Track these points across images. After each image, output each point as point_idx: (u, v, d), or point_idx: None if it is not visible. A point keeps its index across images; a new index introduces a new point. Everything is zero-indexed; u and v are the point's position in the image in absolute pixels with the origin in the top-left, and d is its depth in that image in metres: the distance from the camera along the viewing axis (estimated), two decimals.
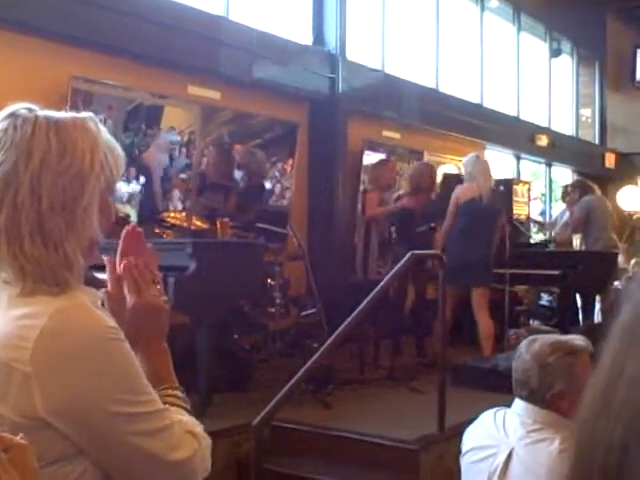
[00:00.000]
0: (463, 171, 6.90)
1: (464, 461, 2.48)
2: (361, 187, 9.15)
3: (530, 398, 2.36)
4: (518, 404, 2.41)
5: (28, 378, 1.21)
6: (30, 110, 1.36)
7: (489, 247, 6.68)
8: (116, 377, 1.26)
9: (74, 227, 1.31)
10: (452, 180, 8.12)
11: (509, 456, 2.30)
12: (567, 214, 9.64)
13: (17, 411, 1.22)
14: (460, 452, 2.51)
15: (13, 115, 1.35)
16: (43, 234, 1.27)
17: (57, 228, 1.28)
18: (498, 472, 2.30)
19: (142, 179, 6.95)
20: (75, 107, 6.16)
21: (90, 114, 1.40)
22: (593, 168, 14.41)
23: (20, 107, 1.37)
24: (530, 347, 2.40)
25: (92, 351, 1.24)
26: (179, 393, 1.44)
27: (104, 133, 1.39)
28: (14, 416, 1.22)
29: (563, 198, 10.01)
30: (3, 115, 1.36)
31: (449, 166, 10.36)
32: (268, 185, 8.20)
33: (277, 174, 8.28)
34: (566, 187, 10.24)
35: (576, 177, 13.49)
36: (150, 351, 1.44)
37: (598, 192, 9.66)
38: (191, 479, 1.34)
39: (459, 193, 6.67)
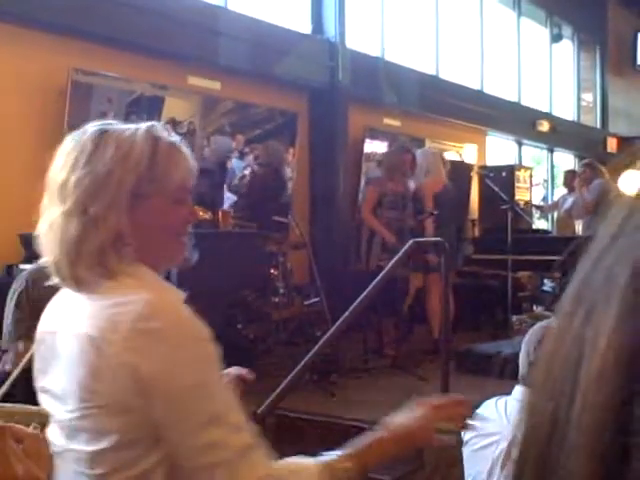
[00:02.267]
0: (419, 167, 7.04)
1: (467, 449, 2.49)
2: (363, 178, 9.15)
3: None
4: (518, 390, 2.41)
5: (121, 361, 1.27)
6: (99, 125, 1.47)
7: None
8: (202, 365, 1.32)
9: (158, 226, 1.42)
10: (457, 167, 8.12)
11: (511, 443, 2.30)
12: (570, 200, 9.58)
13: (110, 391, 1.28)
14: (463, 440, 2.52)
15: (82, 129, 1.47)
16: (62, 235, 1.37)
17: (74, 228, 1.36)
18: (502, 459, 2.31)
19: None
20: (74, 100, 6.15)
21: (155, 123, 1.50)
22: (595, 153, 14.36)
23: (95, 123, 1.49)
24: (546, 332, 2.39)
25: (181, 335, 1.31)
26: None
27: (159, 141, 1.44)
28: (107, 396, 1.28)
29: (566, 183, 9.96)
30: (81, 131, 1.48)
31: (451, 153, 10.35)
32: None
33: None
34: (568, 172, 10.20)
35: (578, 162, 13.46)
36: (387, 444, 1.54)
37: (607, 176, 9.60)
38: None
39: (429, 186, 6.91)
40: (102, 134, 1.43)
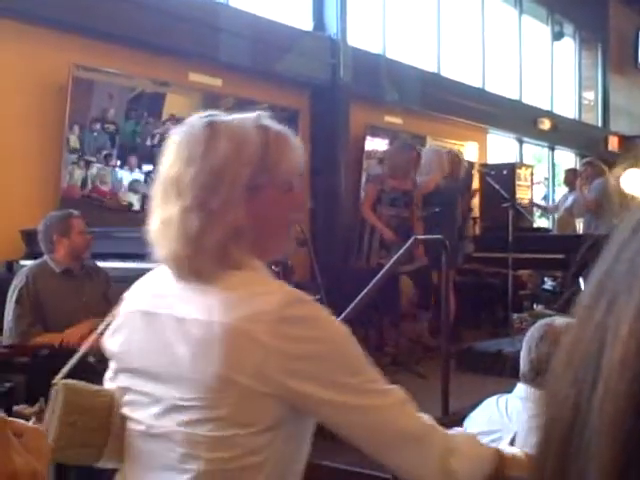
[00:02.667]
0: (422, 165, 7.12)
1: None
2: (364, 175, 9.15)
3: (537, 382, 2.35)
4: (522, 388, 2.41)
5: (268, 348, 1.29)
6: (207, 116, 1.47)
7: (460, 231, 7.20)
8: (346, 351, 1.36)
9: (275, 219, 1.45)
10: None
11: (512, 440, 2.30)
12: (570, 198, 9.57)
13: (252, 380, 1.30)
14: None
15: (189, 122, 1.47)
16: (183, 230, 1.38)
17: (194, 223, 1.37)
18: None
19: (145, 167, 6.94)
20: (75, 96, 6.15)
21: (261, 113, 1.50)
22: (596, 151, 14.36)
23: (203, 115, 1.48)
24: (544, 329, 2.38)
25: (324, 321, 1.36)
26: None
27: (269, 131, 1.46)
28: (247, 385, 1.30)
29: (567, 182, 9.95)
30: (190, 123, 1.48)
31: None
32: None
33: None
34: (570, 171, 10.19)
35: (579, 160, 13.46)
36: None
37: (609, 174, 9.59)
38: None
39: (421, 186, 7.02)
40: (212, 127, 1.43)
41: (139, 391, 1.45)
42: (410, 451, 1.38)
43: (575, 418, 0.37)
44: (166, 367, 1.39)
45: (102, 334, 1.57)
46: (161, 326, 1.41)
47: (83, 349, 1.72)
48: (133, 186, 6.85)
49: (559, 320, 2.43)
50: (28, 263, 4.53)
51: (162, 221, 1.41)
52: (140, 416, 1.43)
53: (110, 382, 1.55)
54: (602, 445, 0.35)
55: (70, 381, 1.52)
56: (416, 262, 6.37)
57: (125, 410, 1.48)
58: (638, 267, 0.36)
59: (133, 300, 1.53)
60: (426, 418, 1.43)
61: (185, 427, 1.35)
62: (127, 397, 1.48)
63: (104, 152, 6.58)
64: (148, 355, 1.43)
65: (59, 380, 1.52)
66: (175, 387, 1.37)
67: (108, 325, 1.57)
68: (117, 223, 6.14)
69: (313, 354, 1.32)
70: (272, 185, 1.43)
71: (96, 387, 1.53)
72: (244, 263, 1.40)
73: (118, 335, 1.52)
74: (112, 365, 1.55)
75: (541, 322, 2.46)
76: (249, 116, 1.48)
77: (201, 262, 1.37)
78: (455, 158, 7.80)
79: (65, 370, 1.67)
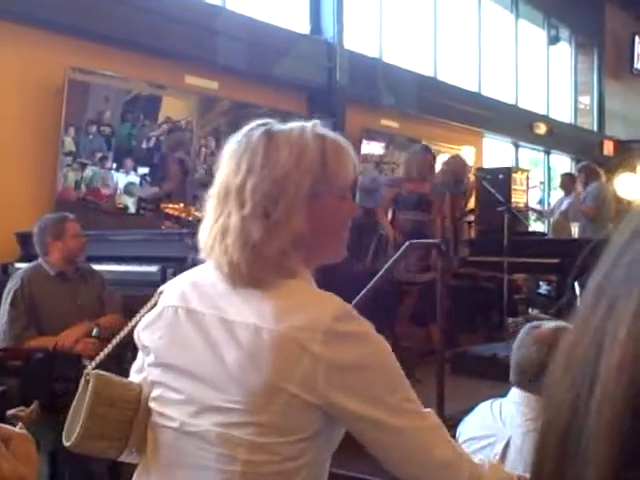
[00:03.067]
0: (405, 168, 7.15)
1: None
2: (359, 178, 9.15)
3: (530, 386, 2.35)
4: (515, 393, 2.41)
5: (317, 358, 1.30)
6: (262, 125, 1.48)
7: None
8: (390, 369, 1.39)
9: (331, 227, 1.48)
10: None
11: (506, 445, 2.30)
12: (566, 202, 9.58)
13: (300, 389, 1.31)
14: (458, 442, 2.51)
15: (246, 130, 1.49)
16: (244, 238, 1.39)
17: (256, 232, 1.39)
18: (496, 461, 2.30)
19: (141, 170, 6.94)
20: (71, 98, 6.15)
21: (316, 121, 1.52)
22: (592, 156, 14.39)
23: (260, 123, 1.50)
24: (532, 333, 2.39)
25: (373, 337, 1.37)
26: None
27: (326, 139, 1.48)
28: (294, 393, 1.31)
29: (562, 186, 9.97)
30: (247, 132, 1.49)
31: (448, 155, 10.34)
32: None
33: None
34: (565, 175, 10.21)
35: (575, 165, 13.48)
36: None
37: (603, 179, 9.61)
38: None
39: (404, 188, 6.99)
40: (270, 136, 1.45)
41: (172, 387, 1.44)
42: (438, 477, 1.41)
43: (572, 422, 0.37)
44: (207, 367, 1.38)
45: (134, 326, 1.57)
46: (206, 326, 1.41)
47: (122, 334, 1.72)
48: (129, 189, 6.85)
49: (547, 324, 2.43)
50: (23, 266, 4.52)
51: (219, 229, 1.42)
52: (173, 412, 1.43)
53: (136, 374, 1.55)
54: (599, 449, 0.35)
55: (102, 372, 1.51)
56: (431, 272, 6.40)
57: (154, 405, 1.47)
58: (636, 271, 0.36)
59: (174, 295, 1.51)
60: (456, 445, 1.46)
61: (223, 428, 1.35)
62: (157, 391, 1.47)
63: (100, 155, 6.57)
64: (188, 353, 1.42)
65: (91, 370, 1.52)
66: (216, 388, 1.37)
67: (142, 317, 1.56)
68: (113, 226, 6.13)
69: (358, 369, 1.34)
70: (330, 193, 1.46)
71: (126, 380, 1.53)
72: (298, 272, 1.42)
73: (154, 328, 1.50)
74: (143, 357, 1.54)
75: (529, 325, 2.46)
76: (305, 125, 1.50)
77: (261, 270, 1.39)
78: (461, 162, 7.83)
79: (98, 359, 1.66)
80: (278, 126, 1.49)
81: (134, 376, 1.55)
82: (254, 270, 1.38)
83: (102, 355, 1.68)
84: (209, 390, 1.38)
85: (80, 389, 1.50)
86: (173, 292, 1.52)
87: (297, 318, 1.34)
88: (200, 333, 1.41)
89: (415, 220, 6.78)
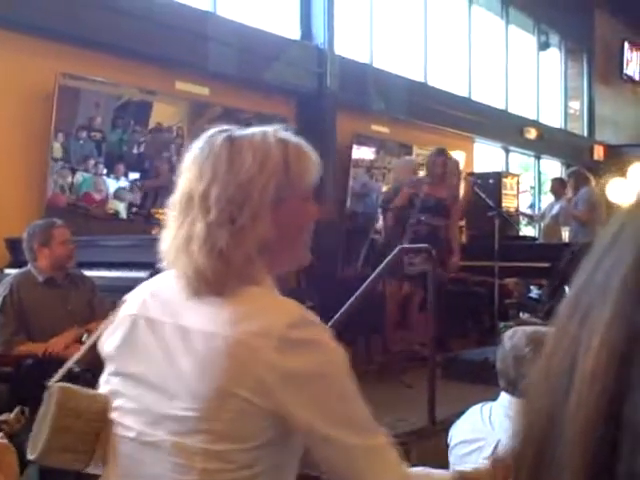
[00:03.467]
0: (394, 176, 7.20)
1: (452, 455, 2.49)
2: (350, 183, 9.16)
3: (508, 389, 2.37)
4: (504, 397, 2.42)
5: (270, 364, 1.29)
6: (224, 131, 1.49)
7: None
8: (342, 380, 1.37)
9: (298, 232, 1.48)
10: None
11: (495, 448, 2.31)
12: (557, 207, 9.61)
13: (251, 395, 1.30)
14: (449, 446, 2.52)
15: (208, 136, 1.48)
16: (277, 240, 1.41)
17: (285, 234, 1.42)
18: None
19: (131, 175, 6.93)
20: (62, 104, 6.14)
21: (277, 127, 1.54)
22: (582, 160, 14.44)
23: (220, 129, 1.50)
24: (510, 338, 2.41)
25: (328, 346, 1.36)
26: None
27: (288, 144, 1.50)
28: (246, 400, 1.30)
29: (553, 191, 10.00)
30: (208, 138, 1.49)
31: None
32: None
33: None
34: (556, 180, 10.24)
35: (565, 169, 13.53)
36: None
37: (593, 184, 9.65)
38: None
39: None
40: (233, 141, 1.45)
41: (131, 396, 1.43)
42: None
43: (549, 429, 0.37)
44: (164, 376, 1.37)
45: (99, 338, 1.55)
46: (165, 335, 1.40)
47: (78, 354, 1.71)
48: (119, 194, 6.83)
49: (528, 327, 2.45)
50: (13, 272, 4.51)
51: (183, 236, 1.40)
52: (131, 422, 1.42)
53: (104, 385, 1.53)
54: (574, 455, 0.35)
55: (65, 384, 1.50)
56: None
57: (114, 415, 1.46)
58: (612, 279, 0.36)
59: (135, 304, 1.50)
60: (405, 469, 1.44)
61: (178, 437, 1.34)
62: (117, 401, 1.46)
63: (90, 160, 6.56)
64: (146, 362, 1.41)
65: (54, 383, 1.51)
66: (171, 397, 1.36)
67: (106, 328, 1.54)
68: (103, 231, 6.12)
69: (311, 377, 1.33)
70: (294, 197, 1.46)
71: (92, 392, 1.52)
72: (261, 279, 1.41)
73: (114, 337, 1.49)
74: (106, 367, 1.53)
75: (511, 330, 2.49)
76: (267, 130, 1.51)
77: (226, 277, 1.37)
78: (455, 164, 7.83)
79: (60, 373, 1.64)
80: (240, 131, 1.49)
81: (102, 387, 1.54)
82: (219, 277, 1.37)
83: (65, 368, 1.66)
84: (165, 399, 1.36)
85: (44, 402, 1.49)
86: (134, 301, 1.51)
87: (252, 324, 1.33)
88: (158, 342, 1.40)
89: (430, 224, 6.72)
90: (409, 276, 6.56)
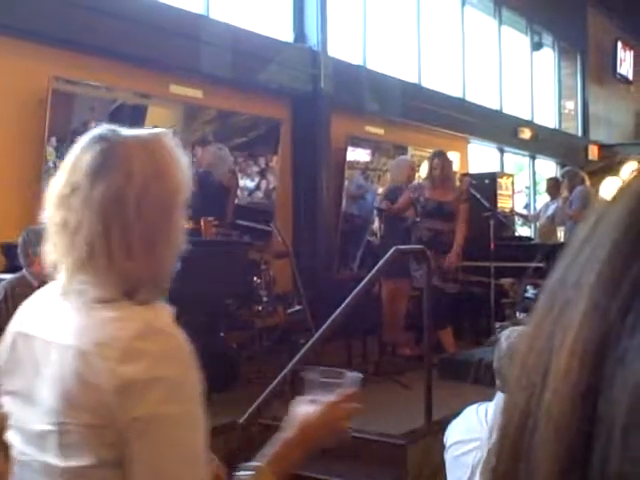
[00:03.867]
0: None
1: (448, 456, 2.49)
2: (345, 184, 9.17)
3: (504, 388, 2.37)
4: (500, 397, 2.42)
5: (112, 375, 1.24)
6: (114, 132, 1.42)
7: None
8: (192, 394, 1.31)
9: (169, 241, 1.40)
10: None
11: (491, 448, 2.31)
12: (552, 207, 9.64)
13: (97, 408, 1.25)
14: (445, 446, 2.53)
15: (100, 138, 1.40)
16: (145, 248, 1.35)
17: (158, 243, 1.37)
18: (481, 465, 2.31)
19: None
20: (55, 108, 6.13)
21: (166, 130, 1.48)
22: (576, 160, 14.48)
23: (102, 129, 1.42)
24: (507, 338, 2.42)
25: (178, 359, 1.30)
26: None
27: (179, 149, 1.45)
28: (93, 413, 1.25)
29: (548, 191, 10.02)
30: (88, 139, 1.41)
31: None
32: (248, 183, 8.18)
33: (257, 171, 8.25)
34: (551, 180, 10.26)
35: (560, 169, 13.55)
36: (294, 445, 1.53)
37: (588, 183, 9.68)
38: None
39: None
40: (102, 144, 1.38)
41: (15, 415, 1.40)
42: None
43: (525, 422, 0.38)
44: (35, 393, 1.34)
45: None
46: (35, 350, 1.37)
47: None
48: None
49: (519, 328, 2.46)
50: (7, 277, 4.50)
51: (54, 237, 1.37)
52: (16, 442, 1.39)
53: (3, 404, 1.50)
54: (548, 449, 0.36)
55: None
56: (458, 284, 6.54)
57: (8, 435, 1.43)
58: (587, 275, 0.37)
59: (16, 320, 1.49)
60: None
61: (43, 455, 1.31)
62: (10, 421, 1.43)
63: None
64: (24, 379, 1.39)
65: None
66: (37, 413, 1.33)
67: None
68: None
69: (149, 384, 1.26)
70: (162, 205, 1.38)
71: None
72: (136, 290, 1.34)
73: (2, 356, 1.46)
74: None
75: (509, 330, 2.49)
76: (142, 132, 1.45)
77: (104, 289, 1.33)
78: (465, 181, 7.87)
79: None
80: (118, 132, 1.42)
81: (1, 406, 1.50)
82: (98, 289, 1.33)
83: None
84: (35, 416, 1.34)
85: None
86: (17, 317, 1.49)
87: (99, 335, 1.28)
88: (30, 358, 1.38)
89: (433, 229, 6.64)
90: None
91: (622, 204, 0.39)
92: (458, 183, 9.05)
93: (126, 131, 1.43)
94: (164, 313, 1.35)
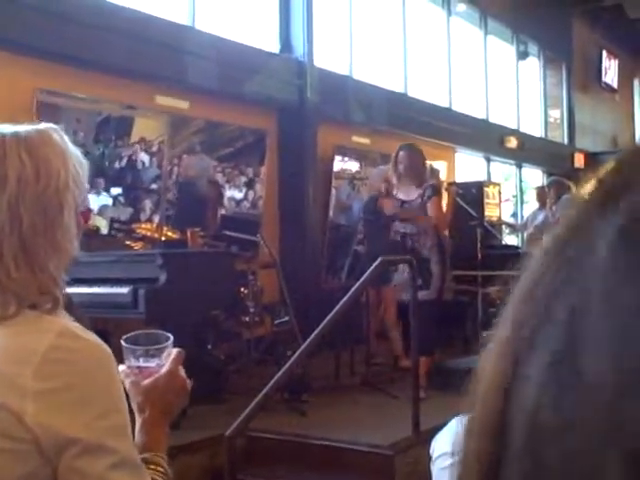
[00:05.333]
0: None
1: (435, 467, 2.48)
2: (333, 193, 9.16)
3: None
4: None
5: (26, 392, 1.16)
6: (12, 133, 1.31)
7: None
8: (112, 398, 1.25)
9: (57, 247, 1.28)
10: None
11: None
12: (541, 216, 9.67)
13: (10, 427, 1.16)
14: (432, 457, 2.51)
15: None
16: (28, 257, 1.24)
17: (42, 250, 1.26)
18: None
19: (114, 190, 6.91)
20: (42, 121, 6.11)
21: (53, 125, 1.38)
22: (563, 168, 14.54)
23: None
24: None
25: (99, 369, 1.24)
26: (163, 466, 1.41)
27: (69, 144, 1.36)
28: (13, 437, 1.16)
29: (538, 199, 10.06)
30: None
31: None
32: (236, 193, 8.17)
33: (244, 181, 8.25)
34: (540, 188, 10.30)
35: (546, 178, 13.61)
36: (155, 423, 1.44)
37: (574, 190, 9.72)
38: None
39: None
40: (5, 142, 1.28)
41: None
42: None
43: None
44: None
45: None
46: None
47: None
48: (101, 210, 6.81)
49: None
50: None
51: None
52: None
53: None
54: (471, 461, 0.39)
55: None
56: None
57: None
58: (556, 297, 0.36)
59: None
60: None
61: None
62: None
63: None
64: None
65: None
66: None
67: None
68: (84, 247, 6.07)
69: (66, 389, 1.19)
70: (42, 207, 1.27)
71: None
72: (40, 299, 1.26)
73: None
74: None
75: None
76: (22, 129, 1.33)
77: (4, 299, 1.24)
78: (432, 173, 7.86)
79: None
80: (15, 128, 1.32)
81: None
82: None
83: None
84: None
85: None
86: None
87: (9, 351, 1.20)
88: None
89: (399, 232, 6.05)
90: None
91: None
92: (445, 193, 9.05)
93: (4, 128, 1.31)
94: (70, 320, 1.27)
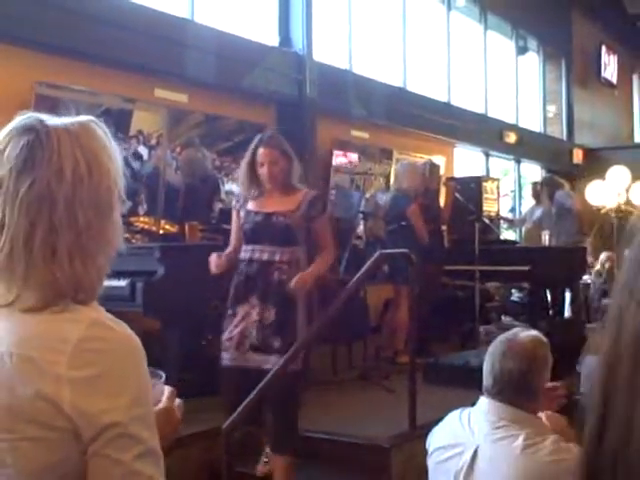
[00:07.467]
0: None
1: (431, 461, 2.49)
2: (331, 189, 9.16)
3: (501, 395, 2.36)
4: (484, 402, 2.41)
5: (61, 379, 1.18)
6: (41, 122, 1.30)
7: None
8: (141, 388, 1.26)
9: (107, 242, 1.30)
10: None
11: (474, 454, 2.31)
12: (539, 211, 9.68)
13: (49, 419, 1.18)
14: (428, 451, 2.52)
15: (28, 130, 1.29)
16: (81, 253, 1.25)
17: (94, 246, 1.27)
18: (464, 470, 2.31)
19: None
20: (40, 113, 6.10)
21: (93, 118, 1.37)
22: (561, 164, 14.56)
23: (28, 119, 1.31)
24: (510, 345, 2.38)
25: (130, 360, 1.25)
26: None
27: (110, 137, 1.36)
28: (45, 424, 1.18)
29: (534, 195, 10.09)
30: (13, 129, 1.30)
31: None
32: (235, 187, 8.17)
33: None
34: (535, 184, 10.32)
35: (545, 173, 13.61)
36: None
37: (567, 187, 9.75)
38: None
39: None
40: (29, 136, 1.28)
41: None
42: None
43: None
44: None
45: None
46: None
47: None
48: None
49: (522, 333, 2.44)
50: None
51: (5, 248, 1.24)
52: None
53: None
54: None
55: None
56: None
57: None
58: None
59: None
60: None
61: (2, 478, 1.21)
62: None
63: None
64: None
65: None
66: None
67: None
68: None
69: (99, 377, 1.20)
70: (95, 204, 1.28)
71: None
72: (77, 292, 1.26)
73: None
74: None
75: (504, 336, 2.47)
76: (70, 122, 1.33)
77: (45, 292, 1.24)
78: (433, 169, 7.86)
79: None
80: (61, 122, 1.31)
81: None
82: (40, 293, 1.24)
83: None
84: None
85: None
86: None
87: (45, 340, 1.21)
88: None
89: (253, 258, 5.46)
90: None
91: None
92: (444, 188, 9.04)
93: (54, 120, 1.31)
94: (104, 311, 1.28)
